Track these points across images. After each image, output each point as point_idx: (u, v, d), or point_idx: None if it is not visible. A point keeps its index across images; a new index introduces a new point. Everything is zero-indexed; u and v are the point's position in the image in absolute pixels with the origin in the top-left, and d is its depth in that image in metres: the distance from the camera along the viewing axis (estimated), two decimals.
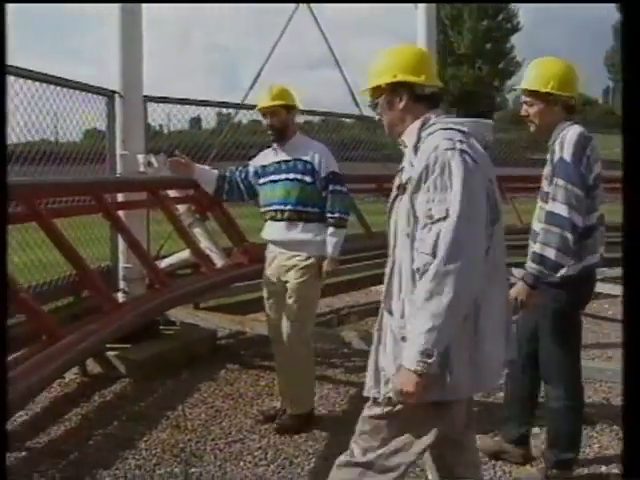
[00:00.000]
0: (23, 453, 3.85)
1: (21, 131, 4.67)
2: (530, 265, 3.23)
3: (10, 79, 4.36)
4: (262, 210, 4.33)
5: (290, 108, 4.22)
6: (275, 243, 4.28)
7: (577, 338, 3.55)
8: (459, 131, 2.24)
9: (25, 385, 3.14)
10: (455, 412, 2.38)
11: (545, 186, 3.35)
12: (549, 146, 3.36)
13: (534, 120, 3.41)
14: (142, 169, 4.87)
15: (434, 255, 2.12)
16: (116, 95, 5.37)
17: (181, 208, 5.38)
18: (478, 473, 2.68)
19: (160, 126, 6.84)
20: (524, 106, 3.43)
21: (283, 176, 4.19)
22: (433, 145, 2.21)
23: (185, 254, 5.48)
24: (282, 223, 4.19)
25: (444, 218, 2.12)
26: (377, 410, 2.37)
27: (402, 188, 2.31)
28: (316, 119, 9.45)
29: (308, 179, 4.15)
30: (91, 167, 5.40)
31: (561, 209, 3.13)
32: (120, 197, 5.26)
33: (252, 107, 5.86)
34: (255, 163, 4.43)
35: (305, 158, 4.17)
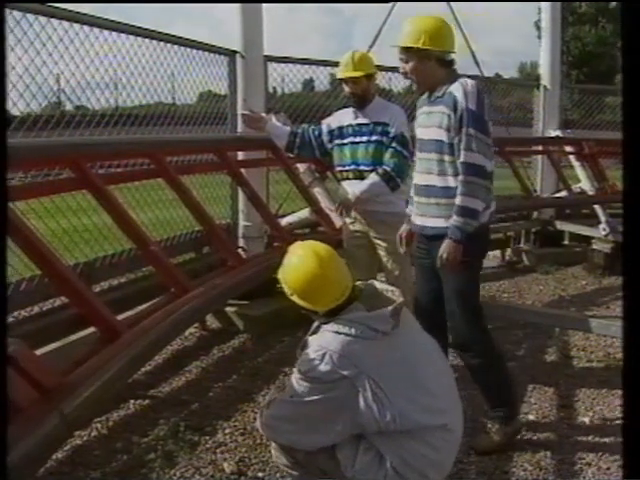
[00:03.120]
0: (147, 401, 4.00)
1: (141, 91, 4.77)
2: (456, 219, 3.18)
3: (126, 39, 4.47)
4: (339, 169, 4.49)
5: (370, 75, 4.34)
6: None
7: (479, 292, 3.50)
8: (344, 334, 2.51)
9: (158, 334, 3.22)
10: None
11: (428, 135, 3.34)
12: (433, 99, 3.35)
13: (412, 77, 3.38)
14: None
15: None
16: (237, 55, 5.39)
17: (301, 167, 5.39)
18: None
19: (274, 89, 6.85)
20: (401, 63, 3.38)
21: (365, 138, 4.33)
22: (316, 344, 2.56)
23: (304, 213, 5.50)
24: None
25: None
26: None
27: None
28: None
29: (386, 140, 4.30)
30: (207, 129, 5.47)
31: (477, 158, 3.15)
32: (240, 157, 5.32)
33: None
34: (330, 123, 4.53)
35: (383, 120, 4.31)
